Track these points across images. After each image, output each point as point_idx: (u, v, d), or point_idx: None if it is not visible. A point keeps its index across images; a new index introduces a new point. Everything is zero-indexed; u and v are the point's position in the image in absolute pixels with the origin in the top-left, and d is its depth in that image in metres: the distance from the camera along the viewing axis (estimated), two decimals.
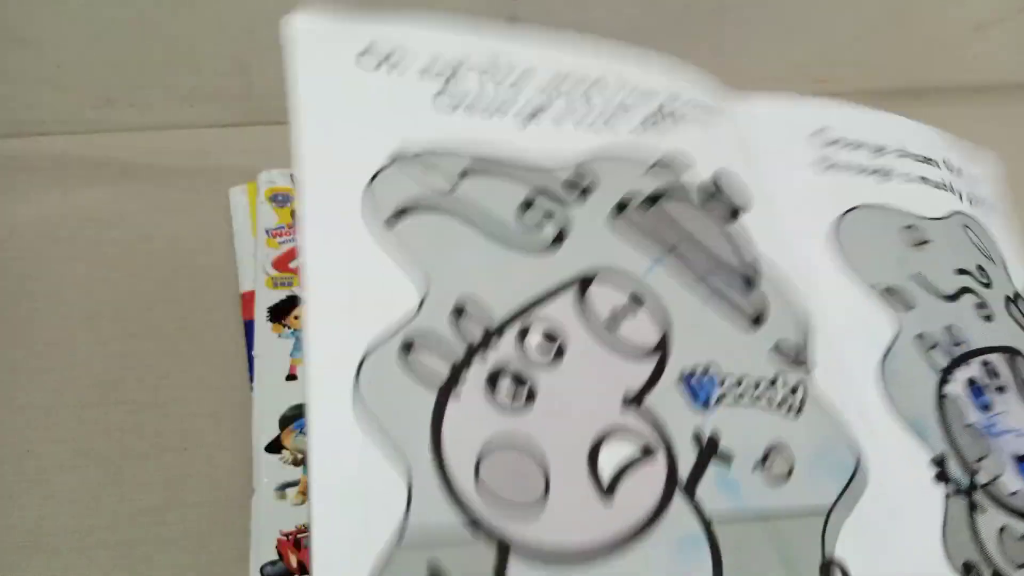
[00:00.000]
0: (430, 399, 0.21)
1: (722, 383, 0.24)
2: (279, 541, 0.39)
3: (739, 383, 0.24)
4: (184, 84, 0.57)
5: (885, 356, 0.28)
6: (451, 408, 0.21)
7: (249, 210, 0.52)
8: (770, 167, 0.31)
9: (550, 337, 0.23)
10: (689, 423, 0.23)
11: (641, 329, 0.23)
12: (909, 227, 0.33)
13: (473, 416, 0.21)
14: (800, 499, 0.23)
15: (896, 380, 0.27)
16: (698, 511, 0.22)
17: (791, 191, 0.31)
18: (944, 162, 0.36)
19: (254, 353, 0.45)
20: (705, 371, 0.24)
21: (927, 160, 0.35)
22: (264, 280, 0.48)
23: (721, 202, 0.27)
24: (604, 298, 0.24)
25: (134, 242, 0.51)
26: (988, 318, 0.31)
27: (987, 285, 0.32)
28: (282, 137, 0.59)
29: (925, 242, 0.32)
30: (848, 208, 0.32)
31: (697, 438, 0.23)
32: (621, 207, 0.26)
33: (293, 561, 0.39)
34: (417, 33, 0.27)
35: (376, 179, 0.24)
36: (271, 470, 0.41)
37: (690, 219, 0.26)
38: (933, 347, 0.29)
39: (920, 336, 0.29)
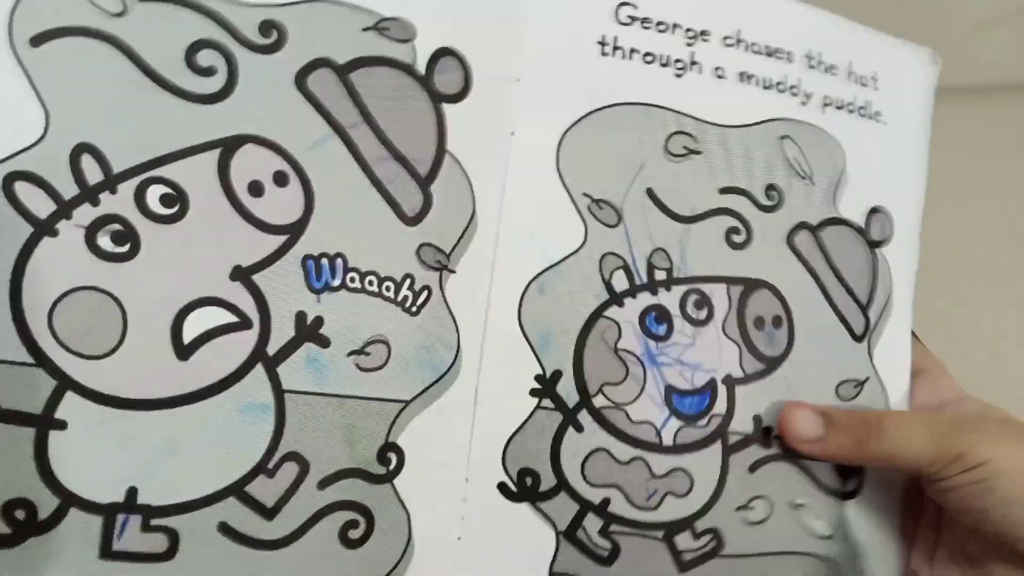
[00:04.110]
0: (22, 230, 0.22)
1: (348, 273, 0.25)
2: None
3: (364, 277, 0.25)
4: None
5: (544, 270, 0.28)
6: (43, 247, 0.22)
7: None
8: (541, 50, 0.28)
9: (174, 197, 0.23)
10: (296, 303, 0.24)
11: (281, 204, 0.24)
12: (678, 133, 0.30)
13: (65, 258, 0.22)
14: (382, 390, 0.25)
15: (542, 293, 0.28)
16: (275, 383, 0.24)
17: (554, 70, 0.28)
18: (808, 57, 0.32)
19: None
20: (333, 259, 0.25)
21: (769, 53, 0.31)
22: None
23: (433, 84, 0.26)
24: (249, 164, 0.24)
25: None
26: (738, 245, 0.30)
27: (769, 208, 0.31)
28: None
29: (692, 153, 0.30)
30: (601, 106, 0.29)
31: (300, 318, 0.24)
32: (311, 67, 0.25)
33: None
34: None
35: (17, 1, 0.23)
36: None
37: (386, 94, 0.26)
38: (619, 268, 0.29)
39: (606, 257, 0.29)
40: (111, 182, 0.23)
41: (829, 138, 0.32)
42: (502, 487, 0.27)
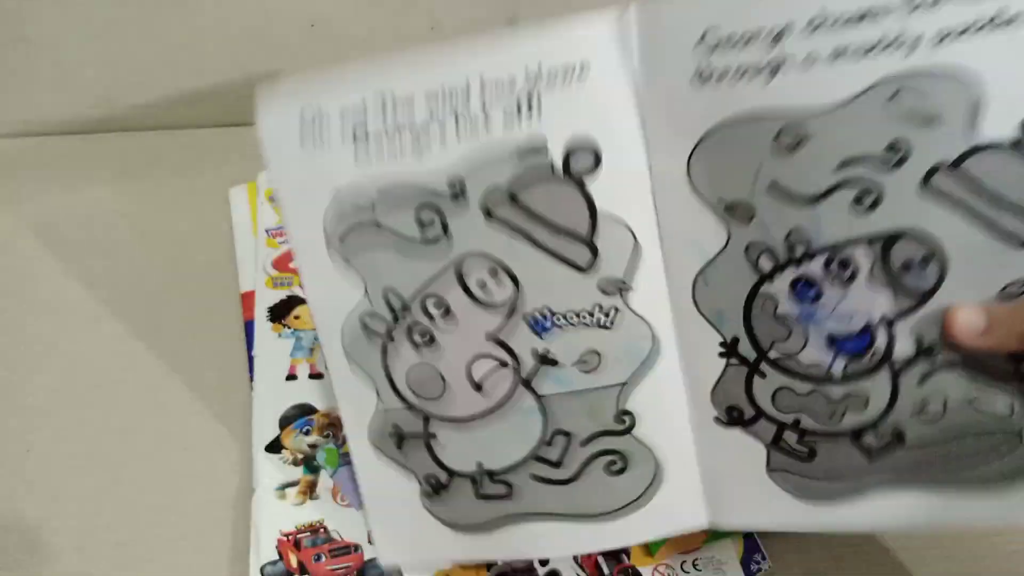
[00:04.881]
0: (376, 343, 0.38)
1: (554, 317, 0.36)
2: (279, 541, 0.39)
3: (565, 316, 0.36)
4: (184, 84, 0.57)
5: (704, 267, 0.35)
6: (391, 353, 0.38)
7: (249, 210, 0.52)
8: (651, 96, 0.34)
9: (441, 303, 0.37)
10: (530, 344, 0.36)
11: (499, 289, 0.36)
12: (783, 131, 0.32)
13: (402, 354, 0.37)
14: (603, 380, 0.36)
15: (707, 283, 0.35)
16: (535, 394, 0.37)
17: (665, 115, 0.34)
18: (907, 1, 0.31)
19: (254, 353, 0.45)
20: (543, 311, 0.36)
21: (861, 17, 0.32)
22: (264, 280, 0.48)
23: (577, 159, 0.35)
24: (474, 271, 0.36)
25: (134, 242, 0.51)
26: (870, 207, 0.32)
27: (895, 164, 0.31)
28: None
29: (801, 141, 0.32)
30: (712, 125, 0.33)
31: (535, 353, 0.36)
32: (488, 210, 0.36)
33: (293, 561, 0.39)
34: (330, 92, 0.37)
35: (326, 212, 0.37)
36: (271, 470, 0.41)
37: (543, 198, 0.35)
38: (763, 252, 0.34)
39: (749, 245, 0.34)
40: (407, 304, 0.37)
41: (949, 74, 0.31)
42: (716, 420, 0.36)
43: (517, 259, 0.36)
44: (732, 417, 0.36)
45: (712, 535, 0.40)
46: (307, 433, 0.43)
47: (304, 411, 0.44)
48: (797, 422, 0.35)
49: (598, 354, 0.36)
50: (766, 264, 0.34)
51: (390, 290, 0.37)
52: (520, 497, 0.38)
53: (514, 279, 0.36)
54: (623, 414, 0.37)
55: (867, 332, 0.33)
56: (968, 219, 0.31)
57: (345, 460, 0.42)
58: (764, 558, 0.40)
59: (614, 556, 0.40)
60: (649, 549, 0.40)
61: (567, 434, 0.37)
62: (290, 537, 0.39)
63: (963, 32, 0.31)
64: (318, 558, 0.39)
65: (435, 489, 0.38)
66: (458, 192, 0.36)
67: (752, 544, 0.40)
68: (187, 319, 0.47)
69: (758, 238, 0.34)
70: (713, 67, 0.33)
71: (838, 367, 0.34)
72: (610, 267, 0.35)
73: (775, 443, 0.36)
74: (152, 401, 0.44)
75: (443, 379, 0.37)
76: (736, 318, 0.35)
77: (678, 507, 0.37)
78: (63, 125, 0.58)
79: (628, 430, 0.37)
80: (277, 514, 0.40)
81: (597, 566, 0.40)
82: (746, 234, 0.34)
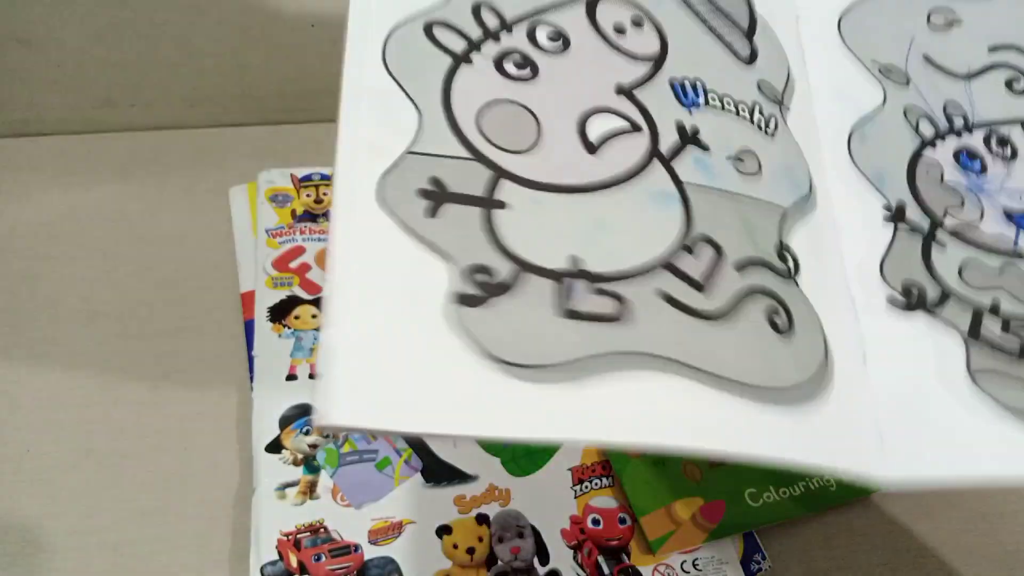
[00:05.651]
0: (445, 62, 0.27)
1: (708, 94, 0.29)
2: (279, 541, 0.39)
3: (722, 98, 0.29)
4: (184, 84, 0.57)
5: (860, 121, 0.32)
6: (463, 71, 0.27)
7: (249, 210, 0.52)
8: None
9: (557, 34, 0.28)
10: (674, 114, 0.28)
11: (642, 40, 0.29)
12: (937, 9, 0.34)
13: (481, 79, 0.27)
14: (762, 193, 0.28)
15: (864, 139, 0.31)
16: (673, 176, 0.27)
17: None
18: None
19: (254, 353, 0.45)
20: (694, 83, 0.29)
21: None
22: (264, 280, 0.48)
23: None
24: (610, 13, 0.29)
25: (134, 242, 0.51)
26: (1021, 91, 0.32)
27: None
28: (282, 137, 0.60)
29: (952, 24, 0.34)
30: None
31: (680, 126, 0.28)
32: None
33: (293, 561, 0.39)
34: None
35: None
36: (271, 470, 0.41)
37: None
38: (921, 118, 0.32)
39: (907, 109, 0.32)
40: (508, 25, 0.28)
41: None
42: (893, 301, 0.28)
43: (670, 17, 0.30)
44: (912, 298, 0.28)
45: (712, 534, 0.40)
46: (307, 433, 0.43)
47: (304, 411, 0.44)
48: (997, 305, 0.28)
49: (757, 159, 0.28)
50: (927, 130, 0.32)
51: (486, 3, 0.28)
52: (635, 324, 0.24)
53: (661, 35, 0.29)
54: (784, 249, 0.28)
55: None
56: None
57: (345, 460, 0.42)
58: (764, 558, 0.40)
59: (614, 556, 0.40)
60: (650, 547, 0.39)
61: (716, 247, 0.26)
62: (290, 537, 0.39)
63: None
64: (318, 558, 0.39)
65: (485, 290, 0.24)
66: None
67: (752, 544, 0.40)
68: (187, 319, 0.47)
69: (915, 103, 0.32)
70: None
71: None
72: (769, 79, 0.31)
73: (975, 333, 0.27)
74: (152, 401, 0.44)
75: (538, 125, 0.27)
76: (900, 182, 0.30)
77: (846, 415, 0.25)
78: (63, 125, 0.58)
79: (791, 274, 0.27)
80: (277, 514, 0.40)
81: (597, 566, 0.40)
82: (903, 96, 0.32)
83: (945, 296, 0.28)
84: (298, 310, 0.47)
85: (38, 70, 0.55)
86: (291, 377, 0.45)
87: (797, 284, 0.27)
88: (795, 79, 0.32)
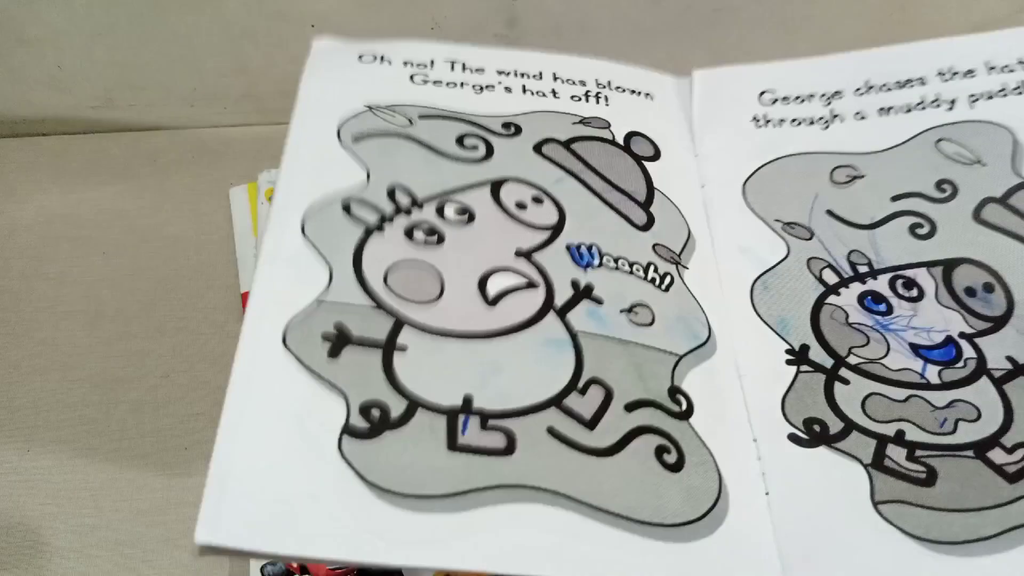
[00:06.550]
0: (359, 231, 0.30)
1: (603, 256, 0.31)
2: None
3: (617, 259, 0.31)
4: (184, 84, 0.57)
5: (763, 273, 0.33)
6: (374, 238, 0.30)
7: (249, 210, 0.52)
8: (707, 132, 0.37)
9: (463, 210, 0.31)
10: (570, 274, 0.30)
11: (541, 213, 0.32)
12: (839, 167, 0.35)
13: (391, 245, 0.30)
14: (655, 341, 0.29)
15: (767, 289, 0.32)
16: (567, 326, 0.29)
17: (722, 149, 0.36)
18: (940, 74, 0.36)
19: None
20: (590, 246, 0.31)
21: (905, 84, 0.36)
22: None
23: (636, 143, 0.35)
24: (513, 193, 0.32)
25: (134, 242, 0.51)
26: (925, 236, 0.33)
27: (946, 199, 0.33)
28: (282, 137, 0.59)
29: (856, 178, 0.35)
30: (769, 160, 0.36)
31: (575, 284, 0.30)
32: (543, 142, 0.34)
33: (293, 561, 0.39)
34: (399, 45, 0.37)
35: (350, 118, 0.33)
36: None
37: (600, 155, 0.34)
38: (825, 268, 0.33)
39: (811, 260, 0.33)
40: (419, 203, 0.31)
41: (985, 125, 0.34)
42: (793, 438, 0.28)
43: (566, 194, 0.32)
44: (813, 432, 0.28)
45: None
46: None
47: None
48: (901, 433, 0.28)
49: (651, 311, 0.30)
50: (830, 278, 0.32)
51: (400, 186, 0.31)
52: (523, 458, 0.25)
53: (560, 210, 0.32)
54: (677, 392, 0.28)
55: (951, 343, 0.30)
56: None
57: None
58: None
59: None
60: None
61: (606, 389, 0.27)
62: None
63: (990, 98, 0.35)
64: None
65: (377, 425, 0.25)
66: (511, 133, 0.34)
67: None
68: (187, 319, 0.47)
69: (818, 254, 0.33)
70: (770, 116, 0.37)
71: (932, 372, 0.30)
72: (665, 241, 0.32)
73: (878, 464, 0.27)
74: (152, 401, 0.44)
75: (442, 282, 0.29)
76: (803, 326, 0.31)
77: (744, 551, 0.26)
78: (63, 125, 0.58)
79: (685, 415, 0.28)
80: None
81: None
82: (806, 250, 0.33)
83: (848, 429, 0.28)
84: None
85: (38, 70, 0.55)
86: None
87: (691, 425, 0.28)
88: (697, 239, 0.34)
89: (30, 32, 0.54)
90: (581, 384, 0.27)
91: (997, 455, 0.27)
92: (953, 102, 0.35)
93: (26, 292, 0.49)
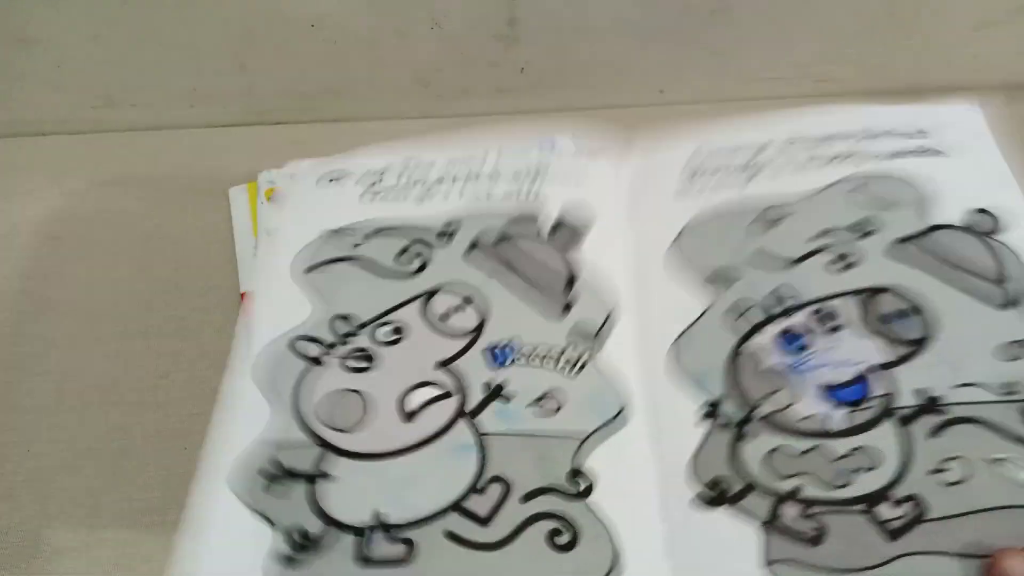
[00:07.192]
0: (300, 366, 0.35)
1: (519, 351, 0.34)
2: None
3: (533, 351, 0.34)
4: (184, 84, 0.57)
5: (683, 331, 0.34)
6: (312, 371, 0.34)
7: (249, 210, 0.52)
8: (639, 204, 0.40)
9: (396, 329, 0.35)
10: (484, 376, 0.33)
11: (465, 319, 0.35)
12: (765, 210, 0.38)
13: (327, 375, 0.34)
14: (562, 427, 0.32)
15: (689, 344, 0.34)
16: (475, 430, 0.32)
17: (650, 216, 0.39)
18: (863, 130, 0.39)
19: None
20: (507, 343, 0.34)
21: (826, 139, 0.40)
22: None
23: (561, 232, 0.38)
24: (443, 302, 0.36)
25: (134, 242, 0.51)
26: (844, 268, 0.35)
27: (863, 235, 0.36)
28: (282, 137, 0.60)
29: (780, 219, 0.37)
30: (692, 217, 0.38)
31: (487, 385, 0.33)
32: (474, 245, 0.38)
33: None
34: (357, 160, 0.42)
35: (303, 248, 0.39)
36: None
37: (527, 248, 0.38)
38: (745, 311, 0.34)
39: (731, 307, 0.35)
40: (355, 331, 0.35)
41: (901, 176, 0.38)
42: (696, 499, 0.30)
43: (491, 293, 0.36)
44: (715, 494, 0.30)
45: None
46: None
47: None
48: (797, 490, 0.30)
49: (557, 399, 0.33)
50: (754, 317, 0.34)
51: (341, 317, 0.36)
52: (421, 563, 0.29)
53: (481, 313, 0.36)
54: (576, 474, 0.31)
55: (862, 380, 0.32)
56: (938, 281, 0.34)
57: None
58: None
59: None
60: None
61: (506, 484, 0.31)
62: None
63: (904, 155, 0.38)
64: None
65: (296, 548, 0.30)
66: (450, 233, 0.38)
67: None
68: (187, 319, 0.47)
69: (743, 296, 0.35)
70: (695, 184, 0.39)
71: (837, 418, 0.31)
72: (583, 323, 0.35)
73: (772, 522, 0.29)
74: (152, 401, 0.44)
75: (365, 407, 0.33)
76: (718, 378, 0.33)
77: None
78: (63, 125, 0.58)
79: (582, 495, 0.30)
80: None
81: None
82: (730, 295, 0.35)
83: (748, 488, 0.30)
84: None
85: (38, 70, 0.55)
86: None
87: (587, 504, 0.30)
88: (622, 310, 0.36)
89: (30, 32, 0.54)
90: (481, 483, 0.31)
91: (884, 510, 0.29)
92: (869, 156, 0.38)
93: (26, 292, 0.49)
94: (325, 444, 0.32)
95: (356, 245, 0.38)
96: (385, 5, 0.54)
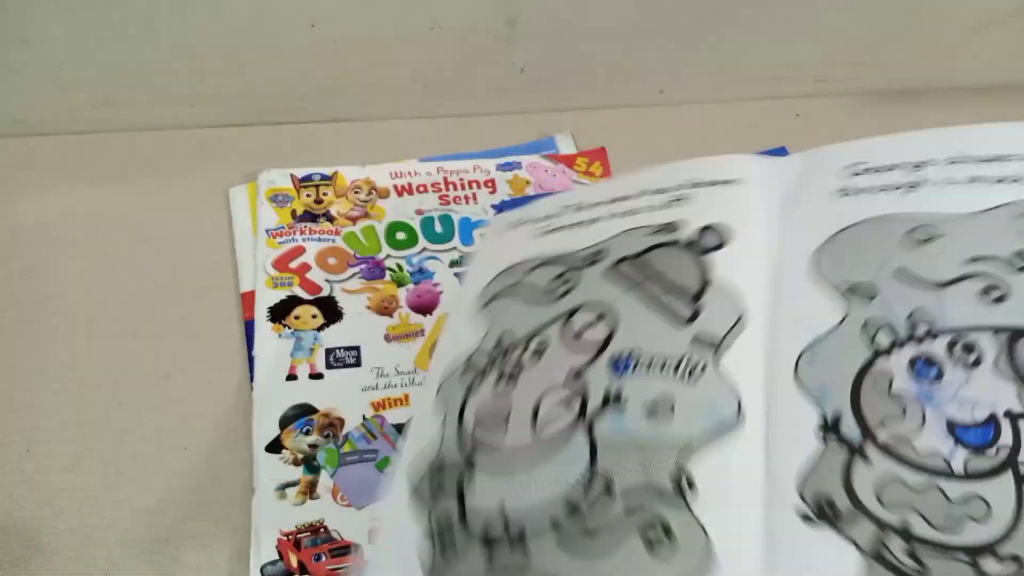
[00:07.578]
0: (468, 381, 0.39)
1: (638, 360, 0.35)
2: (279, 541, 0.39)
3: (652, 359, 0.35)
4: (184, 84, 0.57)
5: (813, 342, 0.33)
6: (476, 383, 0.38)
7: (249, 210, 0.52)
8: (793, 207, 0.39)
9: (539, 348, 0.38)
10: (605, 383, 0.35)
11: (595, 332, 0.37)
12: (917, 228, 0.35)
13: (482, 395, 0.38)
14: (668, 432, 0.32)
15: (814, 358, 0.33)
16: (590, 433, 0.34)
17: (801, 218, 0.38)
18: None
19: (254, 353, 0.45)
20: (629, 354, 0.35)
21: (993, 159, 0.37)
22: (264, 280, 0.48)
23: (698, 245, 0.39)
24: (580, 319, 0.38)
25: (134, 242, 0.51)
26: (997, 300, 0.32)
27: (1023, 268, 0.33)
28: (282, 137, 0.60)
29: (933, 238, 0.35)
30: (843, 227, 0.36)
31: (607, 392, 0.34)
32: (615, 262, 0.39)
33: (293, 561, 0.39)
34: (535, 206, 0.47)
35: (485, 286, 0.43)
36: (271, 470, 0.41)
37: (660, 261, 0.39)
38: (881, 328, 0.32)
39: (868, 321, 0.33)
40: (508, 351, 0.39)
41: None
42: (801, 514, 0.29)
43: (621, 307, 0.37)
44: (821, 512, 0.29)
45: None
46: (307, 433, 0.43)
47: (304, 411, 0.44)
48: (907, 526, 0.28)
49: (671, 403, 0.33)
50: (884, 339, 0.32)
51: (507, 331, 0.39)
52: (538, 554, 0.32)
53: (611, 326, 0.37)
54: (684, 479, 0.31)
55: (991, 423, 0.30)
56: None
57: (345, 460, 0.42)
58: None
59: None
60: None
61: (610, 485, 0.32)
62: (290, 537, 0.39)
63: None
64: (318, 558, 0.39)
65: (444, 545, 0.34)
66: (594, 261, 0.40)
67: None
68: (187, 319, 0.47)
69: (878, 313, 0.33)
70: (857, 187, 0.38)
71: (958, 459, 0.29)
72: (707, 331, 0.35)
73: (876, 553, 0.28)
74: (152, 401, 0.44)
75: (506, 421, 0.36)
76: (842, 393, 0.31)
77: None
78: (63, 125, 0.58)
79: (686, 500, 0.31)
80: (277, 514, 0.40)
81: None
82: (865, 311, 0.33)
83: (856, 513, 0.29)
84: (298, 310, 0.47)
85: (38, 70, 0.55)
86: (291, 377, 0.45)
87: (689, 509, 0.30)
88: (750, 317, 0.35)
89: (30, 32, 0.54)
90: (588, 483, 0.32)
91: (989, 564, 0.27)
92: None
93: (26, 292, 0.49)
94: (474, 441, 0.36)
95: (521, 279, 0.42)
96: (385, 5, 0.54)
